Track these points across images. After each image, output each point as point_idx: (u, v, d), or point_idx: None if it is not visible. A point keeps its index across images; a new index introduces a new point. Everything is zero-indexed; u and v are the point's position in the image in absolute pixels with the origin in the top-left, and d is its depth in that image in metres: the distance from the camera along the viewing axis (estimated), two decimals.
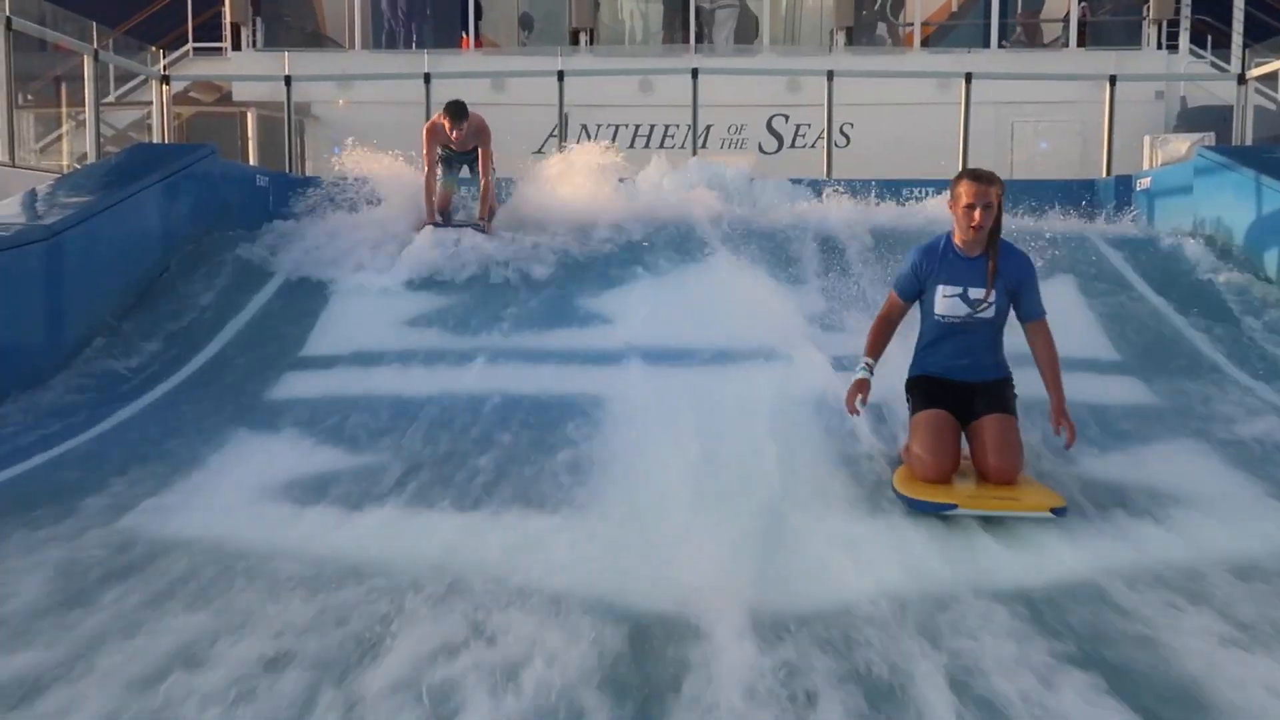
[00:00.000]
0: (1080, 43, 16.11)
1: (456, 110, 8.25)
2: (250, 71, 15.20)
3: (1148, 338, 6.63)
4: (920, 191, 10.44)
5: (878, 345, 4.42)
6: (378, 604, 3.20)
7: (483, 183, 8.54)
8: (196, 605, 3.19)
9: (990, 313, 4.31)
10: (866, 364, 4.36)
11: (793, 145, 15.36)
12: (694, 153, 11.38)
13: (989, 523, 3.92)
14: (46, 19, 12.16)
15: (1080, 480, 4.51)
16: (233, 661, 2.81)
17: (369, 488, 4.38)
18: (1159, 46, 15.82)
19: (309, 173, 13.49)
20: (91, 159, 9.66)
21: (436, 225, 8.38)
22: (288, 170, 11.30)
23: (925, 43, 16.66)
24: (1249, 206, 7.86)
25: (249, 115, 14.73)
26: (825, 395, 5.16)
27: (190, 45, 16.58)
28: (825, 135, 11.31)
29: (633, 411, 5.30)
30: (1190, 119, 14.42)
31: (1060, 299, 7.13)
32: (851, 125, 14.29)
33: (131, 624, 3.05)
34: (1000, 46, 16.07)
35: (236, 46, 15.94)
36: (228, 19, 16.01)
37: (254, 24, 15.94)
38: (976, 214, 4.19)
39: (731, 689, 2.69)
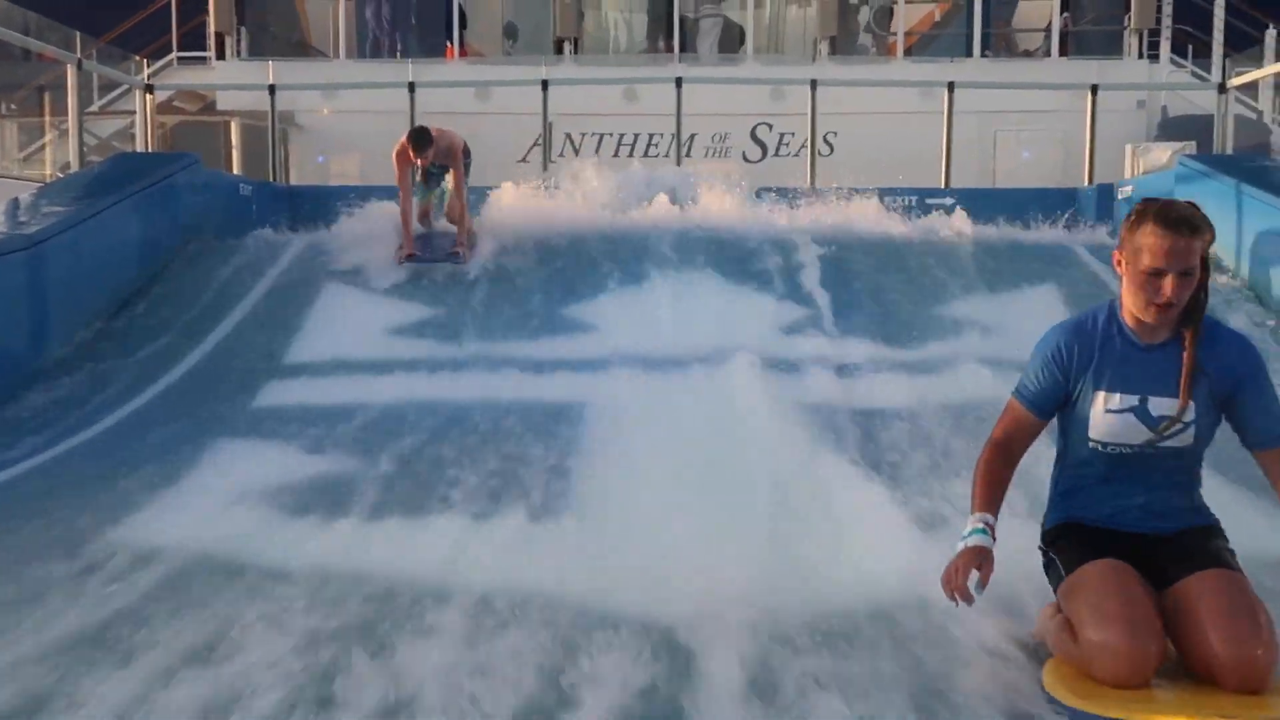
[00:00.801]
0: (1062, 52, 16.22)
1: (417, 139, 7.97)
2: (234, 80, 15.19)
3: None
4: (906, 200, 10.48)
5: (994, 492, 2.75)
6: (366, 612, 3.18)
7: (457, 207, 8.20)
8: (178, 615, 3.17)
9: (1186, 438, 2.67)
10: (982, 524, 2.69)
11: (776, 154, 15.41)
12: (678, 162, 11.42)
13: None
14: (30, 28, 12.12)
15: None
16: (215, 671, 2.79)
17: (353, 496, 4.36)
18: (1140, 56, 15.95)
19: (294, 182, 13.50)
20: (74, 168, 9.63)
21: (415, 259, 7.97)
22: (272, 179, 11.29)
23: (908, 52, 16.75)
24: (1230, 214, 7.91)
25: (233, 124, 14.72)
26: (808, 398, 5.19)
27: (174, 54, 16.54)
28: (809, 144, 11.36)
29: (618, 418, 5.31)
30: (1171, 128, 14.53)
31: (1042, 309, 7.19)
32: (835, 134, 14.33)
33: (111, 636, 3.03)
34: (983, 56, 16.17)
35: (221, 55, 15.91)
36: (212, 28, 15.98)
37: (238, 33, 15.92)
38: (1167, 285, 2.54)
39: (724, 696, 2.68)
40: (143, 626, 3.08)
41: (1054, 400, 2.79)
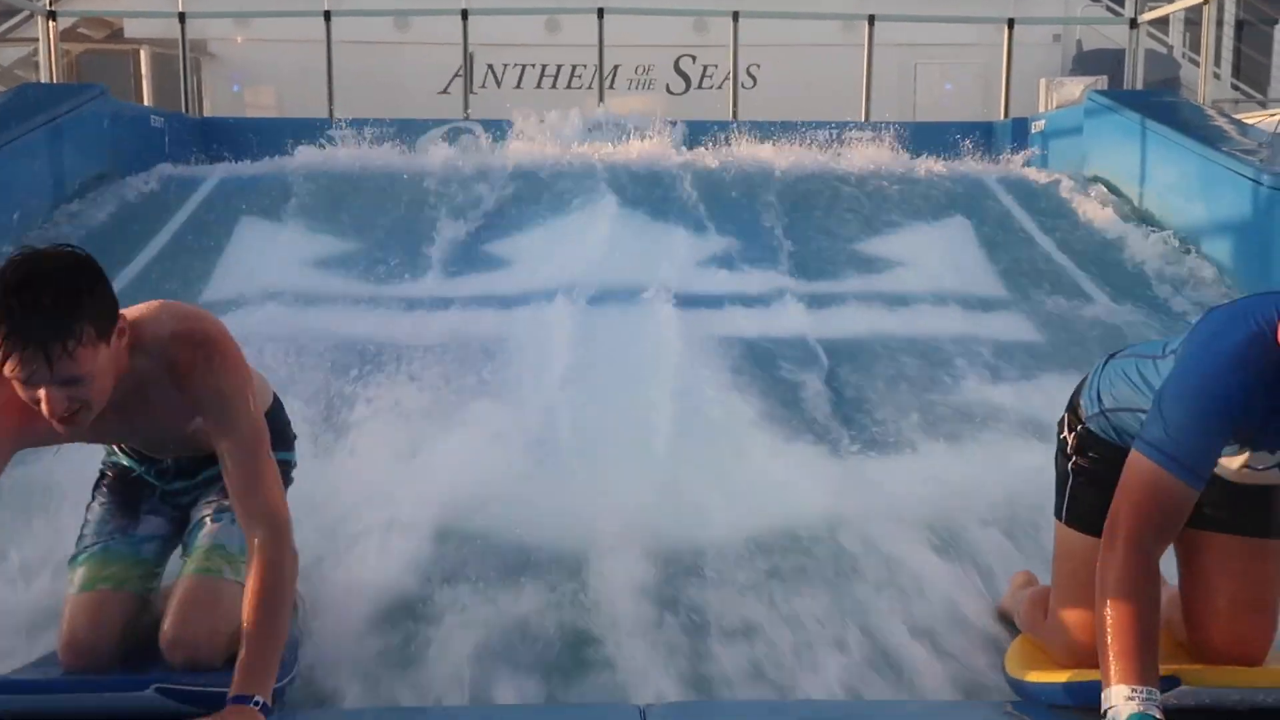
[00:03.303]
0: None
1: (31, 318, 1.93)
2: (142, 7, 14.66)
3: (1033, 276, 6.88)
4: (827, 133, 10.58)
5: (1153, 640, 1.98)
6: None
7: (253, 588, 2.12)
8: None
9: None
10: (1142, 695, 1.90)
11: (700, 86, 15.40)
12: (600, 94, 11.36)
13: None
14: None
15: (968, 406, 4.73)
16: None
17: None
18: None
19: (207, 113, 13.17)
20: None
21: None
22: (184, 110, 11.00)
23: None
24: (1134, 149, 8.15)
25: (142, 53, 14.25)
26: (721, 332, 5.31)
27: None
28: (732, 76, 11.36)
29: (538, 349, 5.39)
30: (1085, 62, 14.78)
31: (952, 239, 7.39)
32: (758, 67, 14.35)
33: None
34: None
35: None
36: None
37: None
38: None
39: (624, 623, 2.80)
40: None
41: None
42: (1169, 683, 2.02)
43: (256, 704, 2.01)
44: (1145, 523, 1.99)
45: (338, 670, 2.57)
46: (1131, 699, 1.87)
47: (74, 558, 2.45)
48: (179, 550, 2.50)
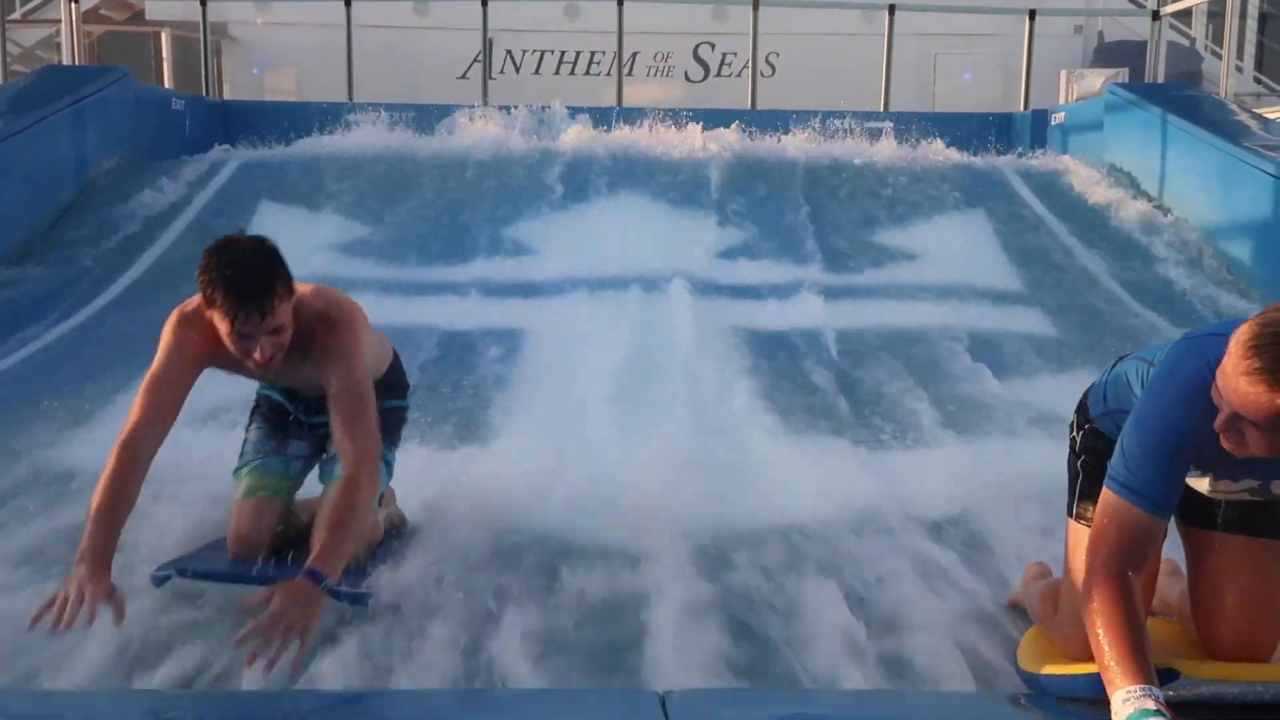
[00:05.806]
0: None
1: (247, 281, 2.59)
2: None
3: (1051, 270, 6.87)
4: (844, 123, 10.56)
5: (1144, 648, 1.99)
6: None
7: (337, 495, 2.67)
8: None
9: None
10: (1137, 694, 1.92)
11: (719, 74, 15.36)
12: (619, 81, 11.35)
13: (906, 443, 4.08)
14: None
15: (984, 399, 4.76)
16: (172, 595, 2.86)
17: None
18: None
19: (227, 96, 13.22)
20: None
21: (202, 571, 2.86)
22: (204, 93, 11.05)
23: None
24: (1154, 142, 8.12)
25: (163, 35, 14.30)
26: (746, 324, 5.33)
27: None
28: (751, 64, 11.33)
29: (560, 339, 5.42)
30: (1107, 54, 14.69)
31: (970, 231, 7.39)
32: (777, 55, 14.31)
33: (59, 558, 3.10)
34: None
35: None
36: None
37: None
38: (1252, 439, 1.93)
39: (642, 610, 2.82)
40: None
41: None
42: (1168, 675, 2.09)
43: (323, 583, 2.48)
44: (1116, 551, 2.08)
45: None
46: (1128, 701, 1.93)
47: (238, 470, 3.04)
48: (315, 471, 3.12)
